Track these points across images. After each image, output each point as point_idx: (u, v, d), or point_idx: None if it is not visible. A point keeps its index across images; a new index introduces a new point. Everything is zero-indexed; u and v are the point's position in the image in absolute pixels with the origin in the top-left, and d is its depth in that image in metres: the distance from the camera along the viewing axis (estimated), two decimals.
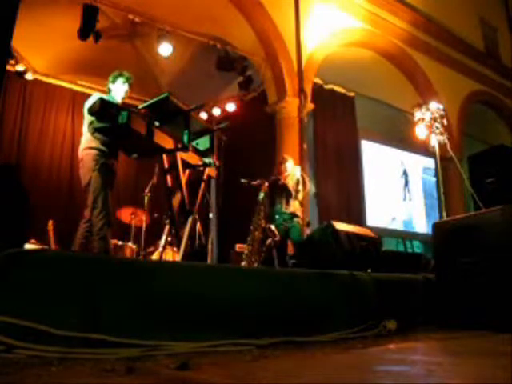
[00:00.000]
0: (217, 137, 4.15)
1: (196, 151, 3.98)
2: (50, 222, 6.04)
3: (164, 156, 3.71)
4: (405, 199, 9.41)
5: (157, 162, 4.01)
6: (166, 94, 3.50)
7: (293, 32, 8.16)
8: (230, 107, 9.01)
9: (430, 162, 9.70)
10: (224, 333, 1.71)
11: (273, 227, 4.93)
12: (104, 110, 3.17)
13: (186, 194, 3.75)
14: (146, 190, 6.05)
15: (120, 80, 4.15)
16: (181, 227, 3.93)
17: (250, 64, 8.27)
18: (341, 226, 3.38)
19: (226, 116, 9.01)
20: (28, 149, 7.95)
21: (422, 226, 9.64)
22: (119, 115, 3.20)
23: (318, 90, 8.43)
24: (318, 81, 8.53)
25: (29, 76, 8.10)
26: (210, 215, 5.92)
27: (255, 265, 4.56)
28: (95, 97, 3.82)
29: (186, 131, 3.61)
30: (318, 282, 2.02)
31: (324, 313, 1.98)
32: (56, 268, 1.47)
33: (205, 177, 3.98)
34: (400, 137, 9.64)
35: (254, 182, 5.09)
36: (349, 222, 8.50)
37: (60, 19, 7.50)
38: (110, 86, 4.17)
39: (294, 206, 5.27)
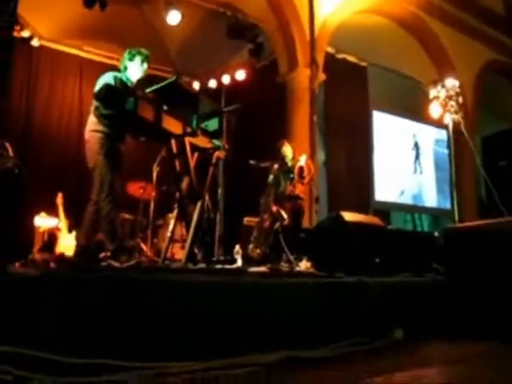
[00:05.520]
0: (226, 118, 4.06)
1: (205, 133, 3.91)
2: (60, 195, 6.05)
3: (172, 140, 3.66)
4: (415, 172, 9.30)
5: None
6: (174, 78, 3.43)
7: None
8: (240, 75, 8.80)
9: (442, 134, 9.50)
10: (230, 348, 1.72)
11: (282, 211, 4.92)
12: (110, 97, 3.11)
13: (194, 179, 3.72)
14: (155, 164, 5.99)
15: (138, 59, 3.89)
16: (188, 206, 3.91)
17: (261, 32, 8.04)
18: (349, 216, 3.34)
19: (235, 84, 8.84)
20: (35, 117, 7.87)
21: (432, 200, 9.56)
22: (126, 102, 3.15)
23: (329, 60, 8.21)
24: (330, 50, 8.30)
25: (35, 42, 7.93)
26: (219, 190, 5.90)
27: (262, 248, 4.58)
28: (106, 77, 3.69)
29: (195, 116, 3.55)
30: (325, 292, 2.01)
31: (331, 323, 1.98)
32: (67, 293, 1.46)
33: (214, 160, 3.93)
34: (413, 107, 9.44)
35: (263, 164, 5.06)
36: (357, 194, 8.52)
37: None
38: (127, 63, 3.90)
39: (299, 189, 5.29)
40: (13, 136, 7.21)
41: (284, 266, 4.24)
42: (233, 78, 8.93)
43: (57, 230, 5.86)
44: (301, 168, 5.33)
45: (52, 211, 6.00)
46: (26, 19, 7.56)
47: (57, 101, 8.18)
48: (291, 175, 5.28)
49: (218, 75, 9.13)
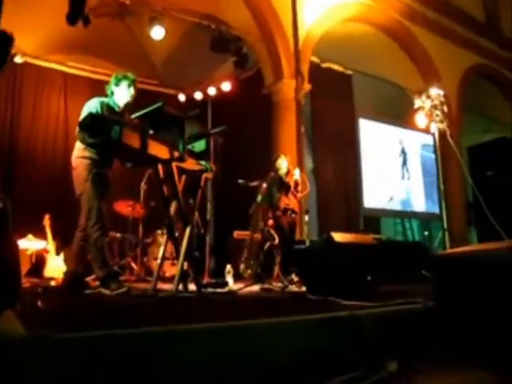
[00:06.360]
0: (213, 140, 4.04)
1: (191, 154, 3.89)
2: (47, 217, 5.96)
3: (159, 165, 3.62)
4: (403, 178, 9.35)
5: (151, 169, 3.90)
6: (159, 104, 3.39)
7: (289, 9, 7.90)
8: (226, 86, 8.81)
9: (428, 139, 9.55)
10: None
11: (272, 230, 4.90)
12: (95, 126, 3.07)
13: (182, 203, 3.69)
14: (143, 183, 5.97)
15: (124, 83, 3.89)
16: (177, 230, 3.87)
17: (245, 44, 8.03)
18: (340, 236, 3.34)
19: (221, 96, 8.85)
20: (21, 135, 7.75)
21: (421, 205, 9.61)
22: (112, 130, 3.11)
23: (314, 69, 8.22)
24: (315, 59, 8.32)
25: (18, 59, 7.83)
26: (208, 205, 5.87)
27: (253, 268, 4.56)
28: (92, 104, 3.68)
29: (181, 140, 3.52)
30: (317, 328, 2.00)
31: (324, 359, 1.96)
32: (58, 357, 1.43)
33: (202, 183, 3.91)
34: (398, 113, 9.50)
35: (252, 184, 5.04)
36: (347, 202, 8.53)
37: None
38: (114, 88, 3.90)
39: (293, 203, 5.27)
40: None
41: (275, 286, 4.24)
42: (218, 90, 8.94)
43: (45, 252, 5.78)
44: (296, 182, 5.34)
45: (39, 233, 5.91)
46: None
47: (42, 118, 8.09)
48: (285, 188, 5.25)
49: (203, 87, 9.14)
